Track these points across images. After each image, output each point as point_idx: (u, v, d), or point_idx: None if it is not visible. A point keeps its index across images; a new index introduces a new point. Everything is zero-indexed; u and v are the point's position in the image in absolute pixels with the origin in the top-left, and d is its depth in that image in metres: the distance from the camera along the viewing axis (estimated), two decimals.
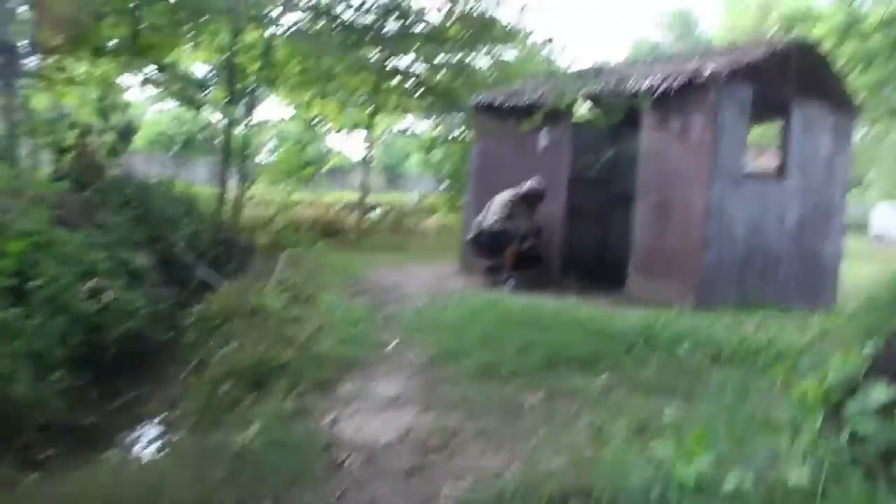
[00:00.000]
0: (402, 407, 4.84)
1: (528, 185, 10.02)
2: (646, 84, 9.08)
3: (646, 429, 4.29)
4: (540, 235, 10.29)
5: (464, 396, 5.02)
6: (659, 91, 8.91)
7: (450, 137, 22.26)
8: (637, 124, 10.67)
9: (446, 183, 22.98)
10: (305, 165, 21.50)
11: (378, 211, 20.60)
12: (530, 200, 10.08)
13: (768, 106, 9.85)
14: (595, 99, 9.91)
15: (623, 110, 7.72)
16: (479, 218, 10.06)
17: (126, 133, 12.26)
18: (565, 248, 10.53)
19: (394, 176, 41.50)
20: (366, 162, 19.47)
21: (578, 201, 10.71)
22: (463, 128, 20.89)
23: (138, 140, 41.74)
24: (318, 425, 4.42)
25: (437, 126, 23.37)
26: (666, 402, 5.03)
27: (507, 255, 9.86)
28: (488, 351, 5.95)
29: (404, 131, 26.61)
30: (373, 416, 4.66)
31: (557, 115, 10.14)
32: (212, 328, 6.96)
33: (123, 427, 5.32)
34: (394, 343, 6.42)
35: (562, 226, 10.42)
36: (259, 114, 33.50)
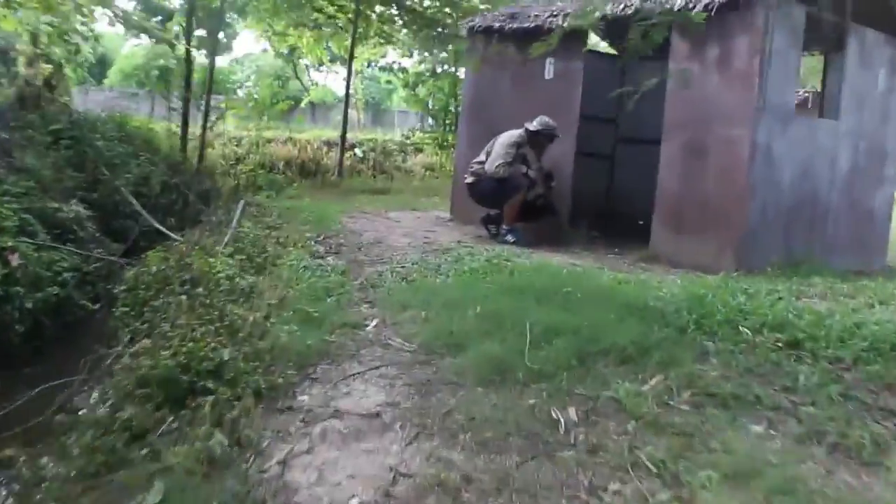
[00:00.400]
0: (384, 433, 3.42)
1: (537, 122, 8.51)
2: (678, 3, 7.53)
3: (752, 477, 2.91)
4: (550, 182, 8.82)
5: (471, 413, 3.61)
6: (695, 12, 7.36)
7: (437, 72, 20.67)
8: (655, 54, 9.20)
9: (433, 120, 21.42)
10: (280, 100, 19.79)
11: (360, 149, 19.02)
12: (540, 141, 8.57)
13: (819, 33, 8.33)
14: (620, 21, 8.35)
15: (662, 33, 6.22)
16: (480, 160, 8.55)
17: (61, 65, 10.57)
18: (575, 196, 9.08)
19: (378, 112, 39.79)
20: (347, 97, 17.78)
21: (587, 142, 9.23)
22: (450, 62, 19.32)
23: (113, 74, 39.76)
24: (261, 471, 3.00)
25: (422, 61, 21.85)
26: (754, 420, 3.65)
27: (509, 205, 8.40)
28: (498, 337, 4.53)
29: (389, 67, 25.00)
30: (341, 450, 3.23)
31: (566, 43, 8.61)
32: (144, 300, 5.48)
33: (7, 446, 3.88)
34: (373, 323, 5.00)
35: (570, 171, 8.95)
36: (229, 45, 31.72)
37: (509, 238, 8.37)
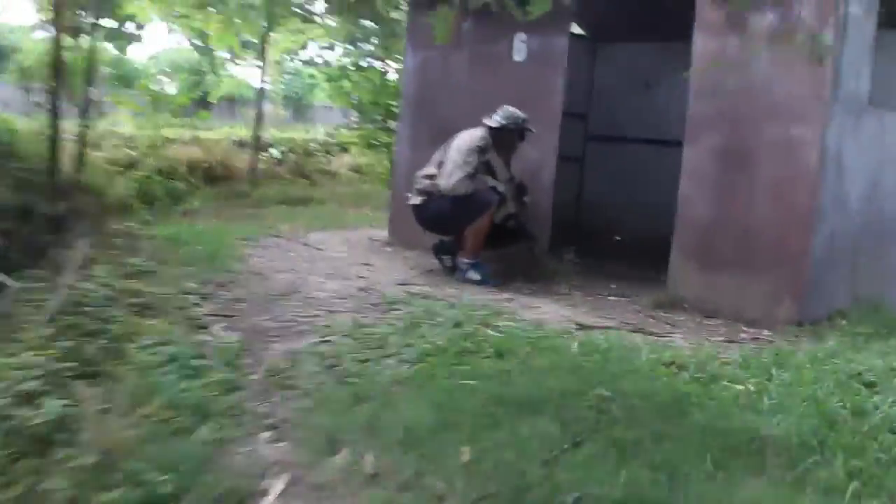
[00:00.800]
0: None
1: (500, 115, 6.34)
2: None
3: None
4: (523, 197, 6.65)
5: None
6: None
7: (362, 66, 18.34)
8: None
9: (359, 115, 19.04)
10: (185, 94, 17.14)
11: (277, 150, 16.55)
12: (507, 140, 6.39)
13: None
14: None
15: None
16: (429, 172, 6.33)
17: None
18: (557, 212, 6.95)
19: (300, 108, 37.18)
20: (262, 90, 15.34)
21: (568, 145, 7.14)
22: (379, 52, 17.15)
23: (14, 69, 36.19)
24: None
25: (347, 54, 19.66)
26: None
27: (472, 231, 6.20)
28: None
29: (311, 60, 22.63)
30: None
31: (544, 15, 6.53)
32: None
33: None
34: (276, 492, 2.73)
35: (551, 181, 6.81)
36: (137, 35, 28.92)
37: (473, 275, 6.18)
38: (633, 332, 4.78)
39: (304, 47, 24.34)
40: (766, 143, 5.26)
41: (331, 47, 21.10)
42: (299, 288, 5.46)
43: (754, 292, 5.30)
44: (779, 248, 5.22)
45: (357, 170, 17.00)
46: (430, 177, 6.27)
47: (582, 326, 4.75)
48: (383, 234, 8.24)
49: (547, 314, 5.09)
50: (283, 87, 37.72)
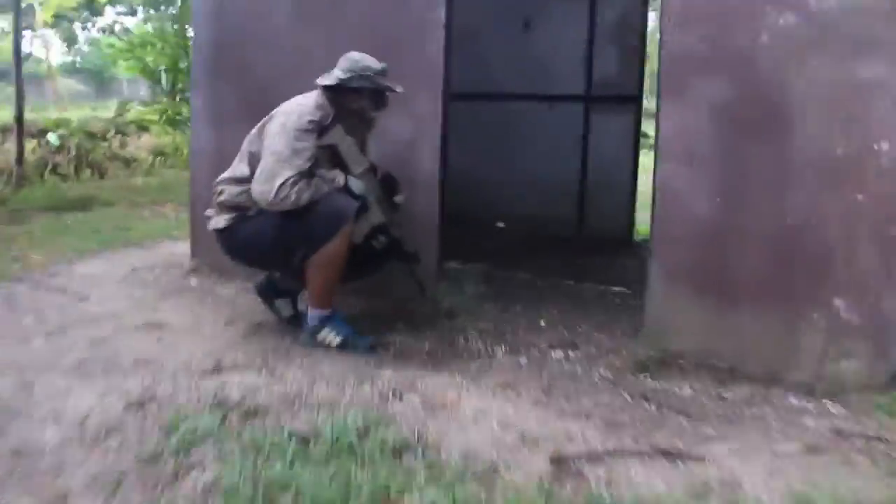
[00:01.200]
0: None
1: (341, 68, 3.85)
2: None
3: None
4: (395, 197, 4.21)
5: None
6: None
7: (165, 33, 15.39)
8: None
9: (159, 86, 15.89)
10: None
11: (55, 135, 13.26)
12: (357, 107, 3.92)
13: None
14: None
15: None
16: (238, 175, 3.81)
17: None
18: (450, 213, 4.64)
19: (103, 82, 32.98)
20: (18, 58, 12.01)
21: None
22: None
23: None
24: None
25: (147, 19, 16.81)
26: None
27: (319, 263, 3.74)
28: None
29: (110, 27, 19.61)
30: None
31: None
32: None
33: None
34: None
35: (436, 168, 4.45)
36: None
37: (330, 337, 3.75)
38: (648, 455, 2.55)
39: (97, 15, 21.31)
40: (809, 92, 3.13)
41: (132, 13, 18.34)
42: (12, 417, 2.87)
43: (801, 339, 3.21)
44: (841, 264, 3.13)
45: (160, 153, 13.99)
46: (240, 180, 3.78)
47: (561, 462, 2.46)
48: (185, 247, 5.68)
49: (477, 424, 2.78)
50: (79, 59, 33.68)
